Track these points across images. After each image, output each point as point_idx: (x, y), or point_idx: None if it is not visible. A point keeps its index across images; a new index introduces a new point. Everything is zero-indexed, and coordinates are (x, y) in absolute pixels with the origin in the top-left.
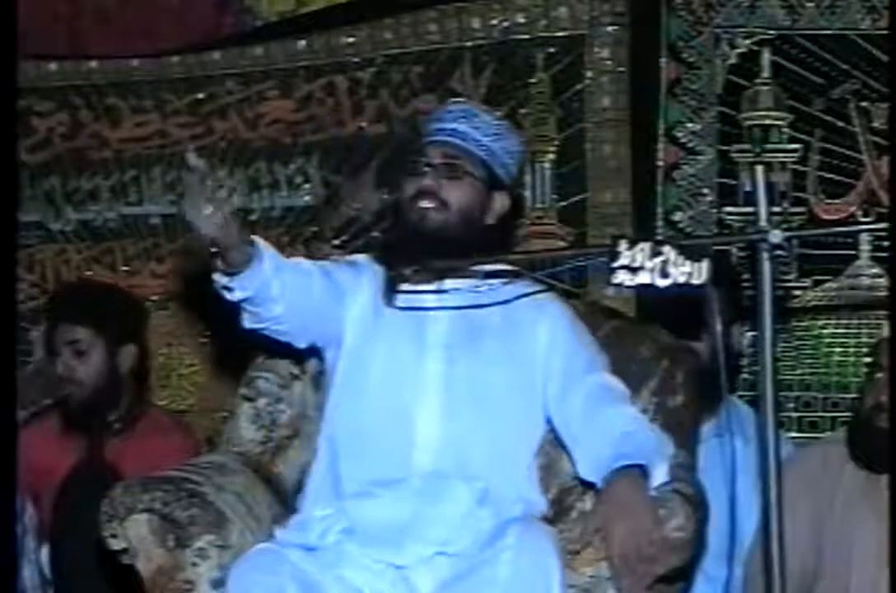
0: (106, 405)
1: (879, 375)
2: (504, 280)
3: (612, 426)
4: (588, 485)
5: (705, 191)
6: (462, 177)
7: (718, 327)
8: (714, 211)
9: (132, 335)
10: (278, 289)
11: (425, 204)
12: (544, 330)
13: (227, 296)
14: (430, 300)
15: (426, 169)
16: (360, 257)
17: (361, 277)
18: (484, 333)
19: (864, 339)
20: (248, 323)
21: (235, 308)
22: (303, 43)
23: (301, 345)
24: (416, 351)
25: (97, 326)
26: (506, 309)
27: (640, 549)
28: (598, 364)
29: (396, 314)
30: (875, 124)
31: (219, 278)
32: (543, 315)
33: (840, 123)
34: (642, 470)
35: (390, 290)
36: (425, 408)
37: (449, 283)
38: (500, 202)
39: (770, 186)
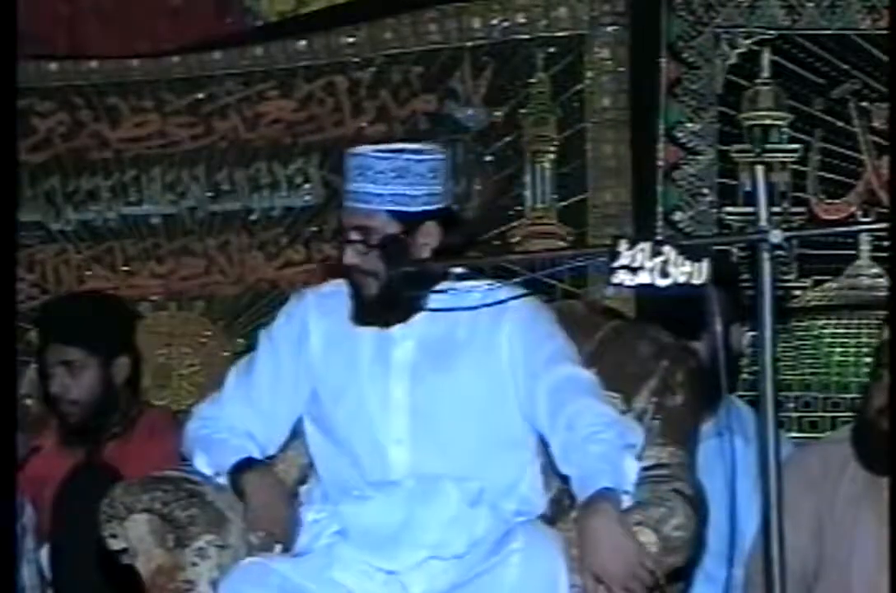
0: (103, 417)
1: (885, 377)
2: (473, 286)
3: (576, 426)
4: (564, 479)
5: (705, 191)
6: (376, 247)
7: (718, 327)
8: (714, 211)
9: (124, 346)
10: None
11: (357, 278)
12: (505, 332)
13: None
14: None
15: (347, 245)
16: (296, 300)
17: (307, 322)
18: (452, 347)
19: (864, 339)
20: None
21: None
22: (303, 43)
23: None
24: (382, 385)
25: (89, 344)
26: (472, 319)
27: (628, 576)
28: (561, 355)
29: (367, 338)
30: (875, 124)
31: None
32: (503, 317)
33: (840, 123)
34: (612, 493)
35: (359, 310)
36: (394, 429)
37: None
38: (427, 234)
39: (770, 186)
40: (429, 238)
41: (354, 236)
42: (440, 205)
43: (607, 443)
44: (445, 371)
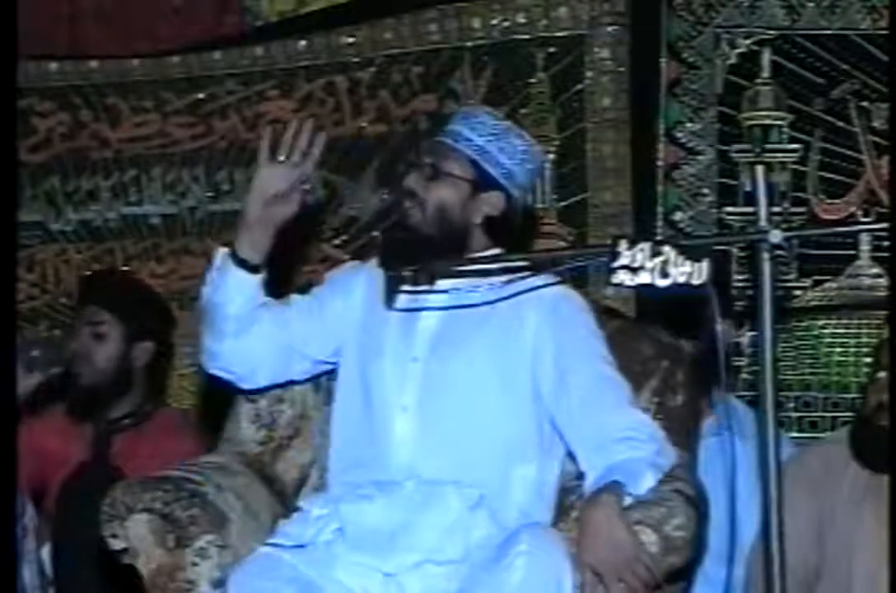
0: (114, 395)
1: (881, 374)
2: (506, 277)
3: (606, 431)
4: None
5: (705, 191)
6: (441, 178)
7: (718, 327)
8: (714, 211)
9: (153, 333)
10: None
11: (406, 204)
12: (532, 323)
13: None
14: (429, 300)
15: (411, 170)
16: (361, 263)
17: (356, 283)
18: (475, 333)
19: (864, 339)
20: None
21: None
22: (303, 43)
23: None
24: (404, 352)
25: (121, 315)
26: (502, 308)
27: (623, 568)
28: (598, 356)
29: (392, 314)
30: (875, 124)
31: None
32: (534, 308)
33: (840, 123)
34: (619, 487)
35: (389, 291)
36: (403, 394)
37: (448, 283)
38: (490, 201)
39: (770, 186)
40: (488, 206)
41: (426, 160)
42: (513, 189)
43: (639, 453)
44: (463, 348)
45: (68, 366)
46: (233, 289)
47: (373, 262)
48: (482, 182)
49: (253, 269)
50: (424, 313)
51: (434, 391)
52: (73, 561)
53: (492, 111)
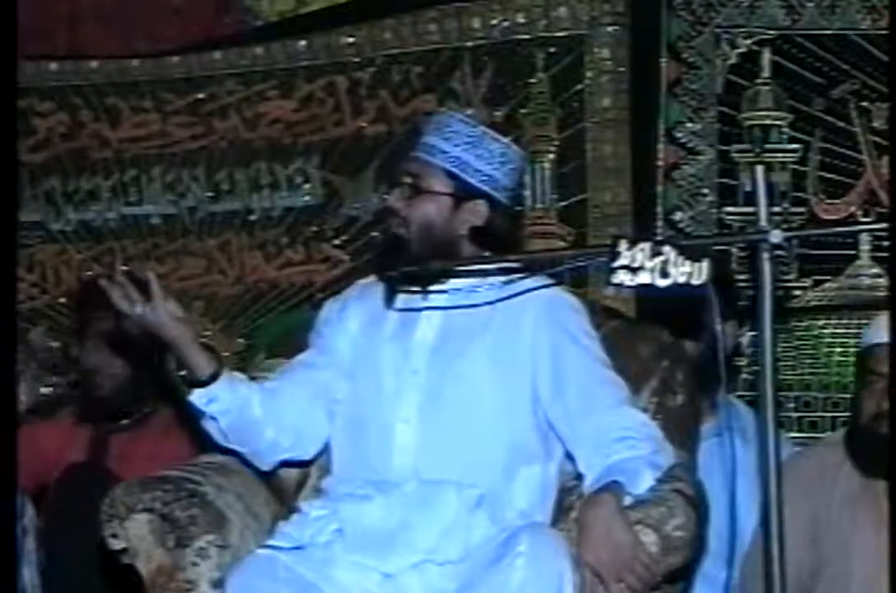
0: (131, 401)
1: (880, 384)
2: (506, 278)
3: (609, 429)
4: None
5: (705, 191)
6: (421, 195)
7: (719, 327)
8: (714, 211)
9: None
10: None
11: (391, 222)
12: (529, 325)
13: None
14: (429, 300)
15: (395, 188)
16: (342, 295)
17: (346, 313)
18: (475, 338)
19: None
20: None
21: None
22: (303, 43)
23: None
24: (403, 366)
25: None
26: (501, 308)
27: (623, 568)
28: (593, 357)
29: (387, 328)
30: (875, 124)
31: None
32: (532, 310)
33: (840, 123)
34: (618, 487)
35: (389, 292)
36: (403, 406)
37: (449, 284)
38: (474, 211)
39: (770, 186)
40: (473, 216)
41: (406, 179)
42: (496, 194)
43: (637, 452)
44: (463, 354)
45: (80, 378)
46: (223, 406)
47: (356, 284)
48: (463, 193)
49: (212, 379)
50: (420, 325)
51: (435, 401)
52: (69, 562)
53: (463, 117)
